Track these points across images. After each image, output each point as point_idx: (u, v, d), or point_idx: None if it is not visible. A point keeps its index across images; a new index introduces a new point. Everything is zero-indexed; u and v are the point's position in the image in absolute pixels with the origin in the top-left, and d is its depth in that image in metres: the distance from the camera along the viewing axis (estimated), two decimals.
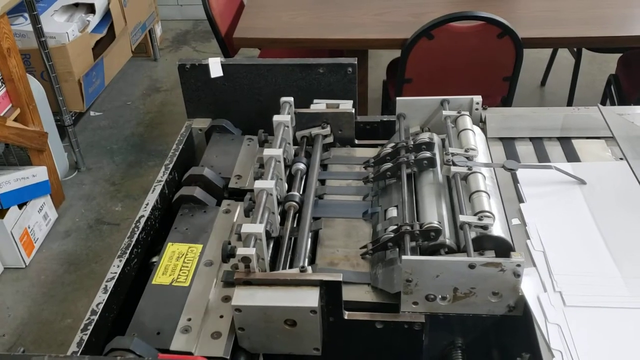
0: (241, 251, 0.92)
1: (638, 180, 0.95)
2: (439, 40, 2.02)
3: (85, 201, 2.74)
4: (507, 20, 1.99)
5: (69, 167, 2.88)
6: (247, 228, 0.95)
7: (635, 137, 1.11)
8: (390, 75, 2.46)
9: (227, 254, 0.94)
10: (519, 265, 0.88)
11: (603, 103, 2.56)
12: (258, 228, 0.95)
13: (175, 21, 4.16)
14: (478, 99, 1.27)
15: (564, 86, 3.12)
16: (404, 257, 0.91)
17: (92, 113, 3.33)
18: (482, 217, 0.97)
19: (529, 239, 0.99)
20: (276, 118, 1.23)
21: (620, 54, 2.50)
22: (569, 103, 2.86)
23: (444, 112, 1.24)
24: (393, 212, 1.10)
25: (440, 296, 0.93)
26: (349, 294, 0.99)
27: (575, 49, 2.80)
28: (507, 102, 2.21)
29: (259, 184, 1.04)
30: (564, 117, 1.25)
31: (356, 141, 1.38)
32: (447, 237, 1.00)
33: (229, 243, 0.95)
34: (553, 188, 1.09)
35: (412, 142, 1.19)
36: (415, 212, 1.09)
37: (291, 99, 1.30)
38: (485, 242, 0.98)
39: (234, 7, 2.65)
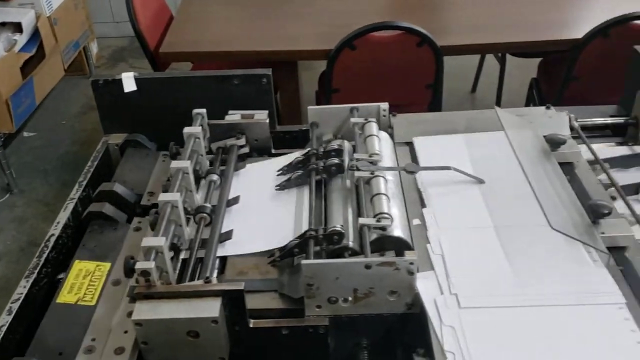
0: (140, 265, 0.91)
1: (526, 176, 1.00)
2: (361, 51, 2.06)
3: (18, 224, 2.67)
4: (426, 29, 2.06)
5: (0, 190, 2.80)
6: (148, 242, 0.94)
7: (524, 136, 1.16)
8: (320, 85, 2.50)
9: (129, 269, 0.94)
10: (412, 264, 0.91)
11: (527, 105, 2.67)
12: (159, 241, 0.95)
13: (112, 38, 4.11)
14: (385, 106, 1.30)
15: (493, 91, 3.23)
16: (303, 261, 0.93)
17: (25, 134, 3.25)
18: (380, 218, 1.00)
19: (428, 243, 1.01)
20: (186, 130, 1.24)
21: (541, 59, 2.61)
22: (498, 104, 2.96)
23: (352, 120, 1.27)
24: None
25: (342, 298, 0.95)
26: (256, 302, 1.00)
27: (499, 55, 2.91)
28: (434, 109, 2.27)
29: (163, 197, 1.04)
30: (466, 119, 1.30)
31: (273, 150, 1.39)
32: (351, 240, 1.02)
33: (132, 258, 0.95)
34: (453, 189, 1.13)
35: (322, 149, 1.22)
36: (323, 217, 1.11)
37: (203, 110, 1.31)
38: (385, 243, 1.01)
39: (164, 21, 2.63)
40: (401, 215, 1.07)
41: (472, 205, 1.09)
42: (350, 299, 0.95)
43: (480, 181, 1.14)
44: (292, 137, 1.47)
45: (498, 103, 2.98)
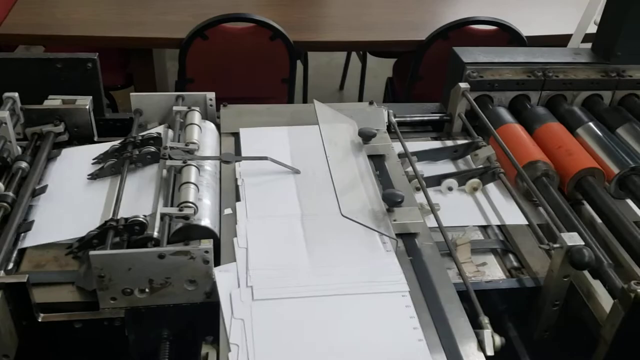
0: None
1: (328, 166, 1.03)
2: (213, 41, 2.04)
3: None
4: (288, 24, 2.08)
5: None
6: None
7: (338, 129, 1.20)
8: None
9: None
10: (207, 252, 0.91)
11: (385, 102, 2.78)
12: None
13: None
14: (211, 95, 1.29)
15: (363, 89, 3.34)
16: (91, 252, 0.89)
17: None
18: (183, 207, 0.98)
19: (236, 236, 1.01)
20: None
21: (396, 59, 2.73)
22: (360, 101, 3.07)
23: (175, 108, 1.25)
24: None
25: (137, 289, 0.93)
26: (51, 295, 0.95)
27: (361, 53, 3.01)
28: (290, 103, 2.30)
29: None
30: (292, 112, 1.32)
31: (96, 138, 1.33)
32: (156, 230, 1.00)
33: None
34: (270, 179, 1.14)
35: (140, 137, 1.18)
36: (133, 207, 1.07)
37: (15, 94, 1.23)
38: (191, 233, 1.00)
39: (9, 2, 2.44)
40: (213, 205, 1.06)
41: (284, 195, 1.11)
42: (146, 289, 0.93)
43: (296, 171, 1.16)
44: (124, 125, 1.42)
45: (360, 99, 3.08)
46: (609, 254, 1.07)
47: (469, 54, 1.43)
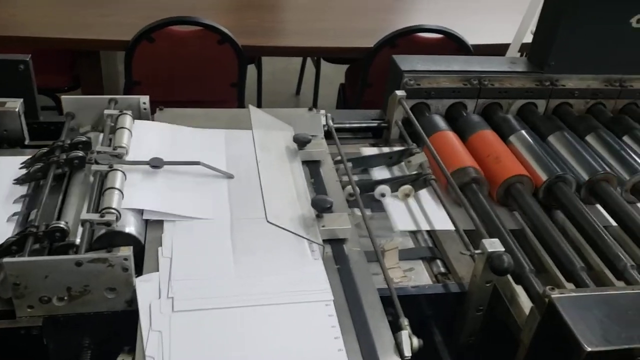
0: None
1: (258, 172, 1.03)
2: (160, 44, 2.02)
3: None
4: (231, 28, 2.07)
5: None
6: None
7: (272, 135, 1.20)
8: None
9: None
10: (126, 260, 0.89)
11: (337, 108, 2.79)
12: None
13: None
14: (145, 99, 1.27)
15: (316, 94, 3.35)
16: (5, 259, 0.87)
17: None
18: (105, 213, 0.97)
19: (160, 245, 0.99)
20: None
21: (348, 65, 2.75)
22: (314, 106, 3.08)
23: (106, 111, 1.22)
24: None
25: (55, 297, 0.90)
26: None
27: (315, 59, 3.02)
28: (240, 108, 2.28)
29: None
30: (230, 116, 1.31)
31: (27, 142, 1.30)
32: (78, 237, 0.97)
33: None
34: (200, 185, 1.13)
35: (68, 142, 1.16)
36: (58, 213, 1.05)
37: None
38: (115, 240, 0.98)
39: None
40: (139, 211, 1.05)
41: (215, 201, 1.09)
42: (65, 297, 0.91)
43: (230, 176, 1.16)
44: (57, 128, 1.38)
45: (315, 105, 3.08)
46: (535, 259, 1.09)
47: (407, 62, 1.45)
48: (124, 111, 1.23)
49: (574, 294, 0.87)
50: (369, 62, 2.21)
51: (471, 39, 2.20)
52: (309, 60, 3.39)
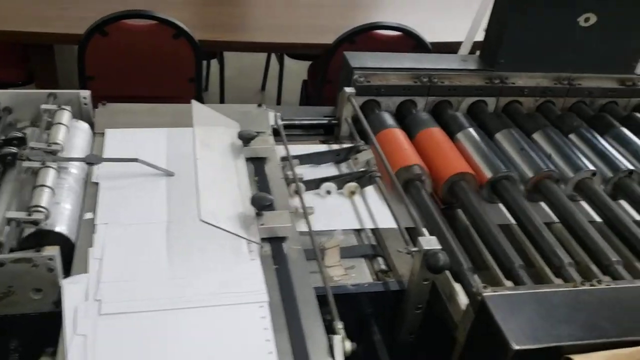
0: None
1: (195, 170, 1.00)
2: (114, 37, 1.97)
3: None
4: (190, 23, 2.03)
5: None
6: None
7: (215, 131, 1.18)
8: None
9: None
10: (51, 259, 0.86)
11: (300, 104, 2.78)
12: None
13: None
14: (85, 94, 1.24)
15: (282, 90, 3.33)
16: None
17: None
18: (32, 212, 0.93)
19: (91, 246, 0.96)
20: None
21: (310, 62, 2.73)
22: (278, 103, 3.06)
23: (43, 106, 1.19)
24: None
25: None
26: None
27: (278, 55, 3.00)
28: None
29: None
30: (174, 113, 1.29)
31: None
32: (4, 236, 0.94)
33: None
34: (138, 183, 1.10)
35: (2, 137, 1.12)
36: None
37: None
38: (44, 239, 0.94)
39: None
40: (74, 210, 1.01)
41: (153, 201, 1.07)
42: None
43: (169, 174, 1.13)
44: None
45: (279, 101, 3.06)
46: (478, 257, 1.09)
47: (358, 59, 1.44)
48: (63, 106, 1.19)
49: (506, 292, 0.87)
50: (328, 58, 2.20)
51: (430, 37, 2.20)
52: (274, 56, 3.37)
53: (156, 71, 2.10)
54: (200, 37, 2.07)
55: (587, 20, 1.42)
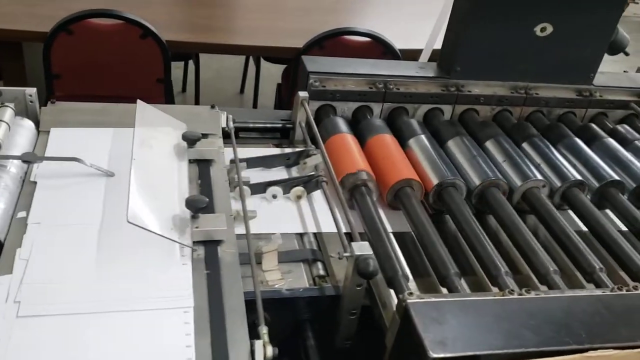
0: None
1: (130, 171, 0.99)
2: (79, 36, 1.96)
3: None
4: (155, 23, 2.02)
5: None
6: None
7: (159, 132, 1.17)
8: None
9: None
10: None
11: (275, 108, 2.77)
12: None
13: None
14: (31, 91, 1.23)
15: (260, 93, 3.32)
16: None
17: None
18: None
19: (20, 247, 0.94)
20: None
21: (285, 66, 2.73)
22: (254, 106, 3.06)
23: None
24: None
25: None
26: None
27: (255, 58, 2.99)
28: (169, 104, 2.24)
29: None
30: (121, 112, 1.28)
31: None
32: None
33: None
34: (77, 183, 1.09)
35: None
36: None
37: None
38: None
39: None
40: (7, 210, 1.00)
41: (90, 200, 1.06)
42: None
43: (110, 175, 1.12)
44: None
45: (255, 102, 3.06)
46: (420, 263, 1.09)
47: (314, 63, 1.44)
48: (6, 103, 1.18)
49: (432, 300, 0.86)
50: (298, 62, 2.19)
51: (400, 44, 2.20)
52: (252, 59, 3.36)
53: (124, 71, 2.09)
54: (171, 38, 2.06)
55: (543, 30, 1.43)
